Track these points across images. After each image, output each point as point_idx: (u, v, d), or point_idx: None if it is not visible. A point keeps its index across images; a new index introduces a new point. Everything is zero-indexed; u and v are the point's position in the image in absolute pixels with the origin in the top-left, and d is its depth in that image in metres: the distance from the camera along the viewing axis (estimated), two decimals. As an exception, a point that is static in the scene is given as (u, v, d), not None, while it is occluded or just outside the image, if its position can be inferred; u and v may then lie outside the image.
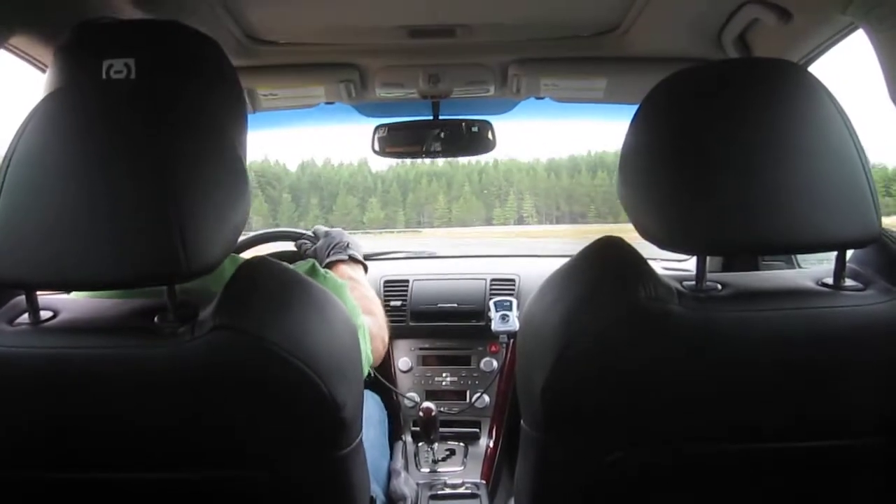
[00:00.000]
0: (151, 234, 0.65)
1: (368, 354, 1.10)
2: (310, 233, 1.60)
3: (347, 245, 1.46)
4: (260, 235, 1.80)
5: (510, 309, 1.91)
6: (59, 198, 0.65)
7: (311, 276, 1.01)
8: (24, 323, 0.73)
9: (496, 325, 1.88)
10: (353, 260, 1.43)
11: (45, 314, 0.73)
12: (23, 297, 0.73)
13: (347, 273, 1.37)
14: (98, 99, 0.70)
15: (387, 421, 1.80)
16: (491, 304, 1.94)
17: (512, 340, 1.91)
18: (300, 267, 1.03)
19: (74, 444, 0.74)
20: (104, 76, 0.79)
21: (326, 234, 1.52)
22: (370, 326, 1.16)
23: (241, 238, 1.75)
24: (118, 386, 0.70)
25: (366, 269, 1.48)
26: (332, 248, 1.46)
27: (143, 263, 0.65)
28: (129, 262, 0.65)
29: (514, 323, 1.87)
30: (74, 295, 0.85)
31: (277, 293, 0.74)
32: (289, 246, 1.73)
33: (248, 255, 1.62)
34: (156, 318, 0.72)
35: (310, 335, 0.72)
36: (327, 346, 0.74)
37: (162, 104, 0.70)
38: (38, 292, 0.73)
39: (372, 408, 1.74)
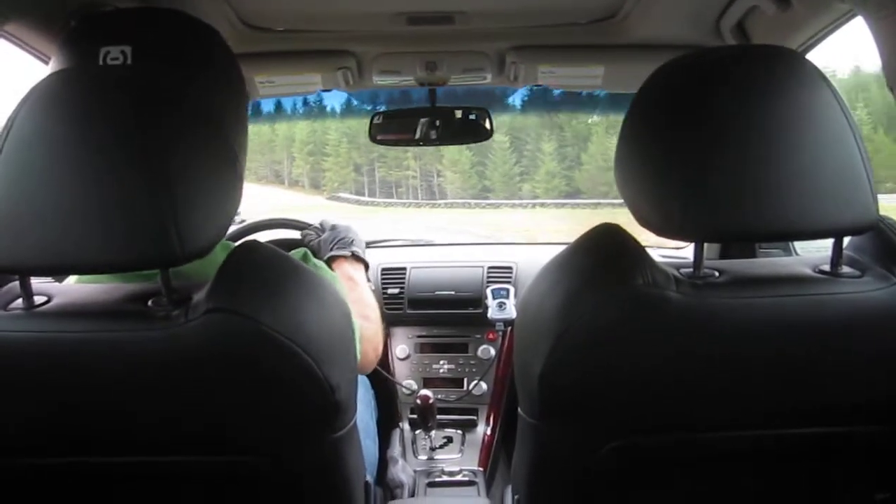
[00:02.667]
0: (145, 218, 0.65)
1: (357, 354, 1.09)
2: (317, 224, 1.57)
3: (352, 242, 1.43)
4: (264, 222, 1.78)
5: (507, 297, 1.91)
6: (53, 182, 0.65)
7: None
8: (18, 308, 0.73)
9: (493, 313, 1.88)
10: (355, 258, 1.40)
11: (38, 299, 0.74)
12: (17, 283, 0.73)
13: (348, 271, 1.35)
14: (93, 84, 0.69)
15: (374, 402, 1.80)
16: (488, 291, 1.94)
17: (509, 328, 1.92)
18: (293, 255, 1.03)
19: (69, 428, 0.74)
20: (101, 63, 0.79)
21: (333, 227, 1.49)
22: (363, 331, 1.12)
23: (246, 224, 1.76)
24: (112, 370, 0.70)
25: (367, 267, 1.46)
26: (337, 242, 1.43)
27: (136, 247, 0.65)
28: (122, 246, 0.65)
29: (510, 311, 1.87)
30: (71, 280, 0.85)
31: (271, 276, 0.74)
32: (288, 234, 1.72)
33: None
34: (150, 302, 0.72)
35: (303, 317, 0.73)
36: (321, 329, 0.74)
37: (156, 90, 0.70)
38: (33, 277, 0.73)
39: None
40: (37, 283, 0.75)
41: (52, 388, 0.72)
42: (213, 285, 0.70)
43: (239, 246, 0.76)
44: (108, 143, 0.66)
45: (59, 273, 0.80)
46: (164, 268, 0.69)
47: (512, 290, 1.93)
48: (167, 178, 0.66)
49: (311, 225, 1.60)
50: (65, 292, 0.76)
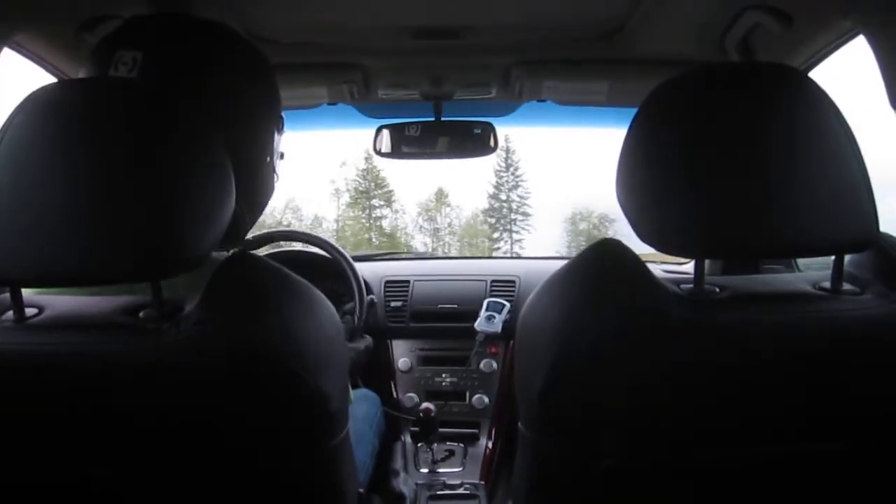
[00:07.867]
0: (135, 229, 0.65)
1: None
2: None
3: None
4: (284, 233, 1.83)
5: (500, 311, 1.91)
6: (44, 193, 0.65)
7: None
8: (9, 320, 0.73)
9: (479, 324, 1.88)
10: None
11: (29, 311, 0.73)
12: (7, 295, 0.73)
13: None
14: (87, 94, 0.70)
15: (380, 417, 1.79)
16: (484, 303, 1.94)
17: (511, 342, 1.91)
18: None
19: (59, 441, 0.73)
20: (113, 69, 0.80)
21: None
22: None
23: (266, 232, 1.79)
24: (102, 382, 0.70)
25: None
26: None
27: (126, 259, 0.65)
28: (112, 257, 0.65)
29: (497, 325, 1.87)
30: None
31: (260, 288, 0.74)
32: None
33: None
34: (140, 315, 0.72)
35: (294, 328, 0.72)
36: (312, 339, 0.74)
37: (154, 102, 0.70)
38: (24, 289, 0.73)
39: (359, 402, 1.74)
40: (28, 293, 0.75)
41: (41, 400, 0.71)
42: (203, 297, 0.70)
43: (230, 257, 0.76)
44: (100, 155, 0.66)
45: (48, 285, 0.80)
46: (153, 280, 0.69)
47: (507, 305, 1.93)
48: (159, 190, 0.66)
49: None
50: (56, 304, 0.76)
